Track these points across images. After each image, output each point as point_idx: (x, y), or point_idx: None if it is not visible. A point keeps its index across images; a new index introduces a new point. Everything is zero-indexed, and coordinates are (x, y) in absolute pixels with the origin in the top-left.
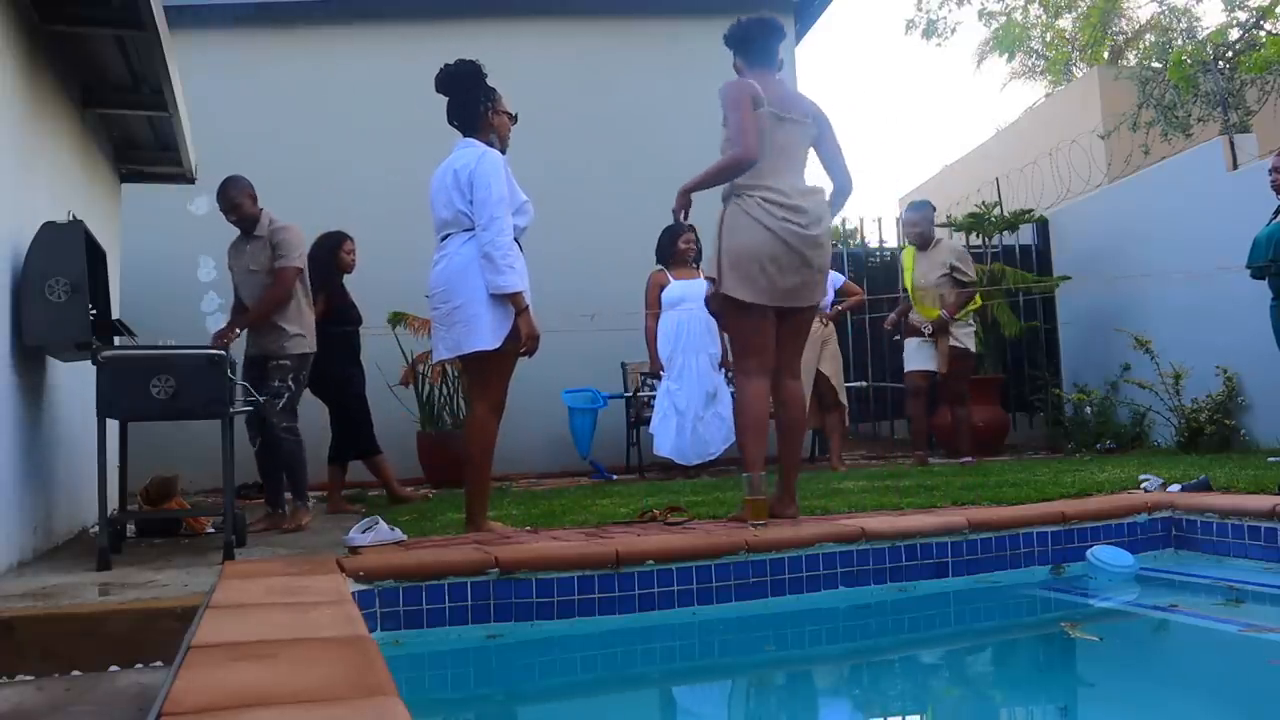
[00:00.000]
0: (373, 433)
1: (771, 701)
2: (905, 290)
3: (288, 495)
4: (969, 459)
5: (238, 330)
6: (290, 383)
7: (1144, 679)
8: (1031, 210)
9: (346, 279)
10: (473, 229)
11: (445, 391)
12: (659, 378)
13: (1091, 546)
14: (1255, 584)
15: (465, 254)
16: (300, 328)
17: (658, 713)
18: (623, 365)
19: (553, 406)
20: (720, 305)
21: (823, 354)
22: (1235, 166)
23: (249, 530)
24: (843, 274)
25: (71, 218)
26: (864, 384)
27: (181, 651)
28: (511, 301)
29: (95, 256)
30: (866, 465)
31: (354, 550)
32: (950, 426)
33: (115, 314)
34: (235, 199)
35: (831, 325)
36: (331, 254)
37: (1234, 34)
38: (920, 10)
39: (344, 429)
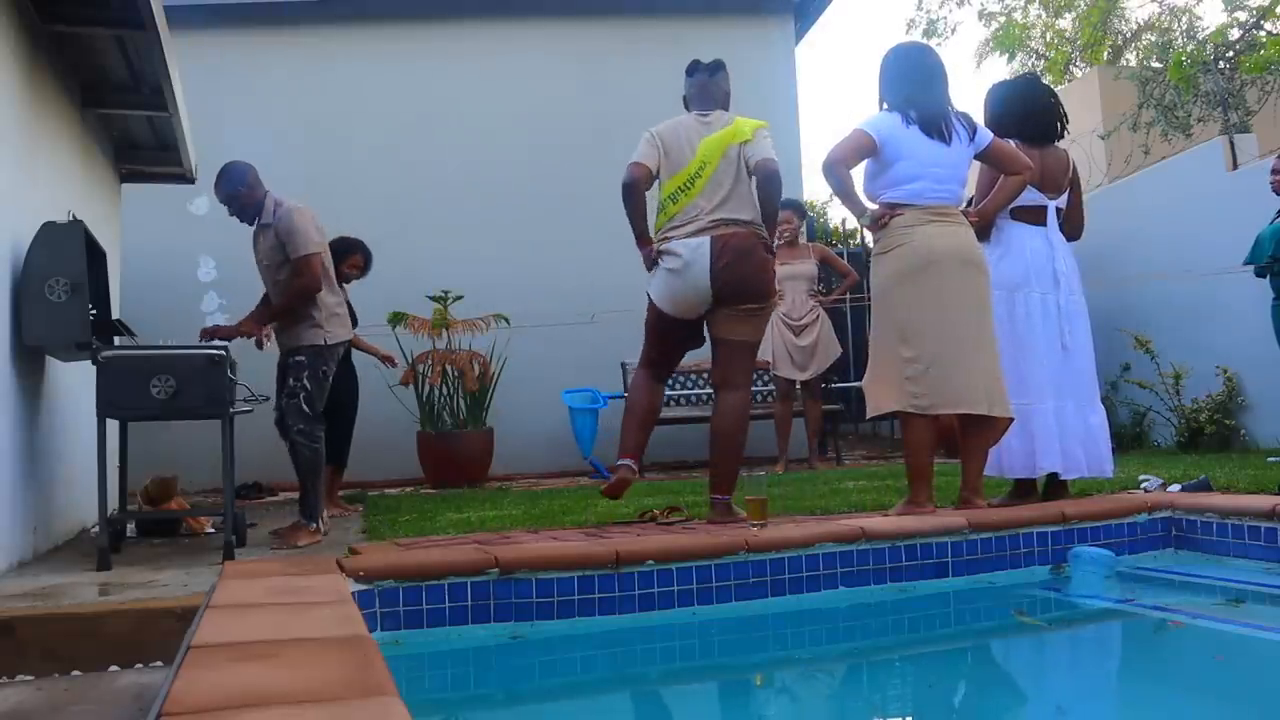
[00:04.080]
0: (342, 446)
1: (771, 702)
2: None
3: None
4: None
5: (265, 328)
6: (305, 380)
7: (1143, 678)
8: None
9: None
10: None
11: (445, 391)
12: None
13: (1091, 547)
14: (1255, 584)
15: None
16: (313, 313)
17: (658, 713)
18: (623, 365)
19: (553, 406)
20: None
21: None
22: (1235, 166)
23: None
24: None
25: (71, 218)
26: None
27: (181, 651)
28: None
29: (95, 256)
30: (866, 465)
31: (354, 550)
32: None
33: (115, 314)
34: (224, 194)
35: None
36: (335, 262)
37: (1234, 34)
38: (920, 10)
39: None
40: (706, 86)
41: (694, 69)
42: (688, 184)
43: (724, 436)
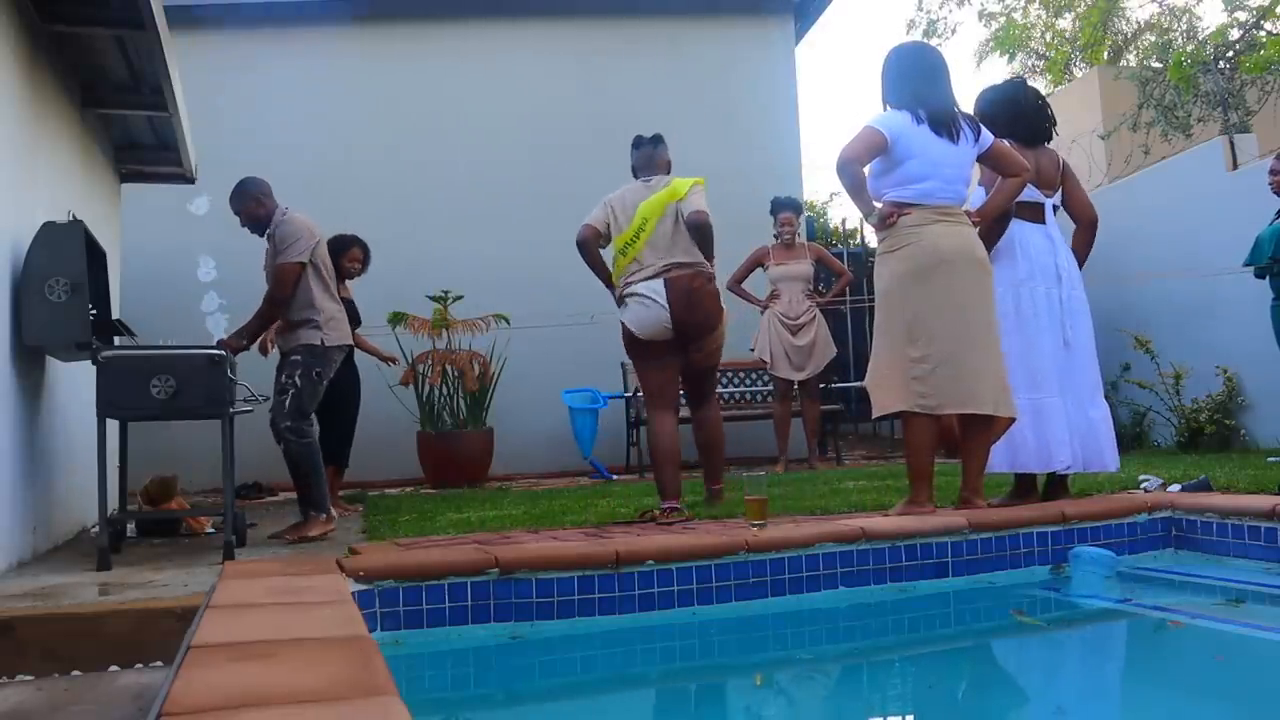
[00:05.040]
0: (343, 446)
1: (771, 702)
2: None
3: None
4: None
5: (245, 340)
6: (296, 378)
7: (1143, 679)
8: None
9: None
10: None
11: (445, 391)
12: None
13: (1091, 547)
14: (1255, 584)
15: None
16: (312, 316)
17: (658, 713)
18: (622, 365)
19: (553, 406)
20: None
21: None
22: (1235, 166)
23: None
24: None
25: (71, 218)
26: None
27: (181, 651)
28: None
29: (95, 256)
30: (866, 465)
31: (354, 550)
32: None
33: (115, 314)
34: (235, 207)
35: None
36: (334, 258)
37: (1234, 34)
38: (921, 10)
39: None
40: (651, 157)
41: (639, 143)
42: (633, 239)
43: (713, 441)
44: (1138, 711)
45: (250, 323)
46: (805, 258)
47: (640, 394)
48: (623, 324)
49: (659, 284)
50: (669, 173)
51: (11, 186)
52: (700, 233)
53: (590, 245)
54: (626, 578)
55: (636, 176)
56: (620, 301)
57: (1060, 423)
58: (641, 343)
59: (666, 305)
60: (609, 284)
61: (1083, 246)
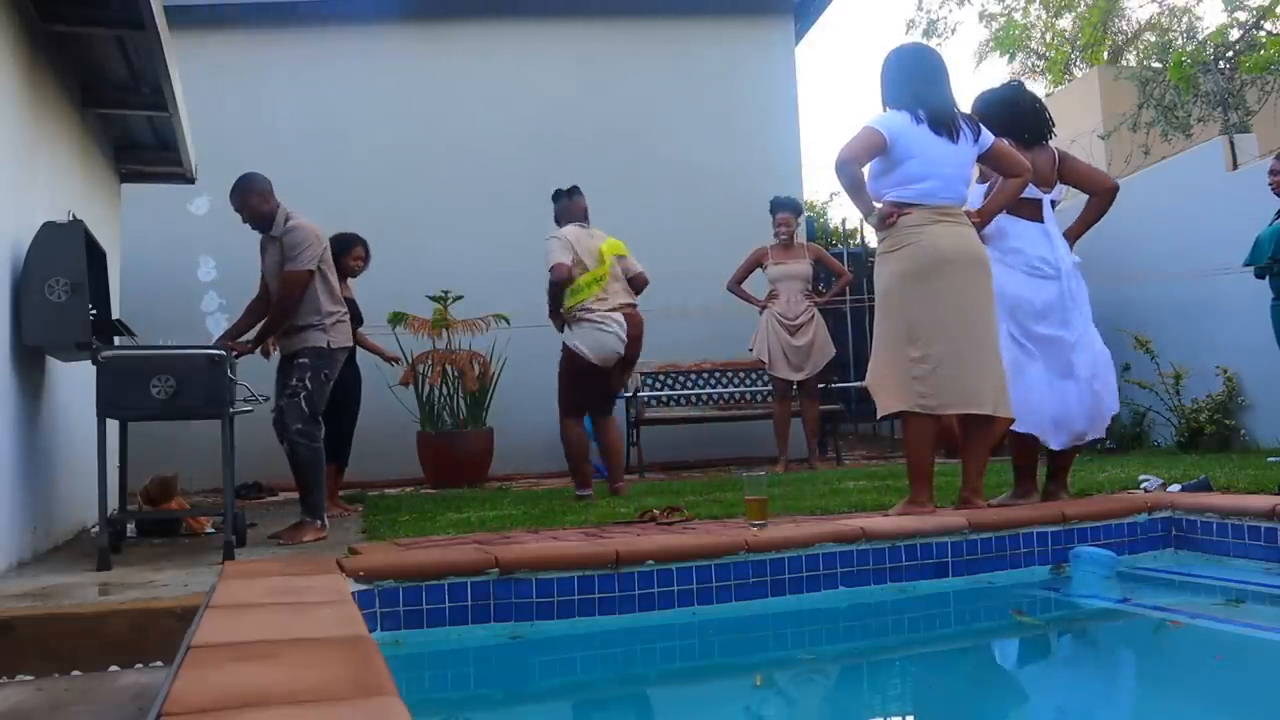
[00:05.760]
0: (344, 445)
1: (771, 702)
2: None
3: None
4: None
5: (249, 343)
6: (306, 380)
7: (1143, 679)
8: None
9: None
10: None
11: (445, 391)
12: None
13: (1092, 547)
14: (1255, 584)
15: None
16: (319, 319)
17: (657, 713)
18: None
19: (553, 406)
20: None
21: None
22: (1235, 166)
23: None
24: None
25: (71, 218)
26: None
27: (181, 651)
28: None
29: (95, 256)
30: (866, 465)
31: (354, 550)
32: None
33: (115, 314)
34: (239, 202)
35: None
36: (338, 257)
37: (1234, 34)
38: (920, 10)
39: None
40: (569, 208)
41: (558, 196)
42: (598, 279)
43: (616, 448)
44: (1138, 712)
45: (242, 319)
46: (804, 258)
47: (639, 393)
48: (575, 348)
49: (620, 316)
50: (587, 218)
51: (11, 186)
52: (641, 289)
53: (567, 284)
54: (626, 578)
55: (559, 224)
56: (573, 324)
57: (1048, 400)
58: (591, 368)
59: (624, 336)
60: (555, 315)
61: (1095, 212)
